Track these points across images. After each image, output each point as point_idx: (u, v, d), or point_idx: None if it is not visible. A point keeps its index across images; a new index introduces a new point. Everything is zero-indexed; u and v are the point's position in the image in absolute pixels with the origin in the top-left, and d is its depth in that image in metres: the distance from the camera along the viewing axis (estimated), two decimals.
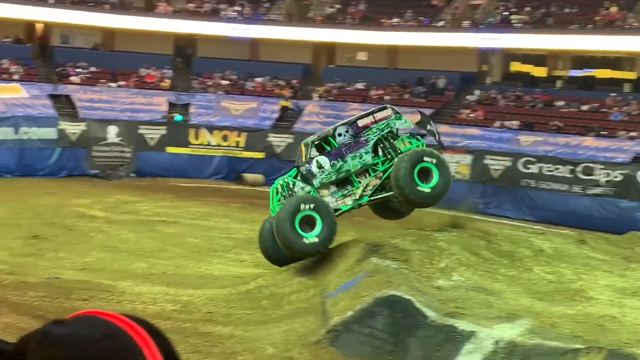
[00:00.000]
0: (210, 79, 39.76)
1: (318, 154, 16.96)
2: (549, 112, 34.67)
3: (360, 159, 16.80)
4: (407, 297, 12.27)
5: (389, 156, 16.98)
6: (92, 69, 37.90)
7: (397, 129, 17.34)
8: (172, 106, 36.82)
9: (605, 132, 31.80)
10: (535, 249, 16.10)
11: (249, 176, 35.50)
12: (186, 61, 42.10)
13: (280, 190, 16.90)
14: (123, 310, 15.41)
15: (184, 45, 43.27)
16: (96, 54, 39.67)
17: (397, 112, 17.65)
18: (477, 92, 37.59)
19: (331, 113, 37.30)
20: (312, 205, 15.70)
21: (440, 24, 40.14)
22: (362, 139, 16.95)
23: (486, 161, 31.72)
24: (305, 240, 15.65)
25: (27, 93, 34.01)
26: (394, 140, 17.25)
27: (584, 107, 34.30)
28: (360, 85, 40.02)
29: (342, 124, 17.33)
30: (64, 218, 23.88)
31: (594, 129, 31.96)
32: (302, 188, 16.67)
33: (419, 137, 18.23)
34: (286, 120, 37.86)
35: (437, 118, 36.62)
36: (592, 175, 29.37)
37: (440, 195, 16.75)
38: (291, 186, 16.82)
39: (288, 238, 15.61)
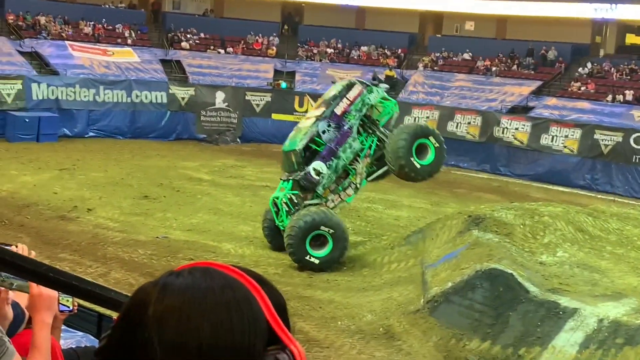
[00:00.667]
0: (316, 47, 39.95)
1: (304, 162, 16.90)
2: None
3: (351, 148, 16.87)
4: (509, 271, 12.16)
5: (370, 131, 17.06)
6: (202, 35, 38.75)
7: (371, 103, 17.22)
8: (278, 73, 37.27)
9: None
10: None
11: None
12: (293, 29, 42.41)
13: (286, 207, 16.84)
14: None
15: (291, 13, 43.58)
16: (206, 21, 40.49)
17: (366, 85, 17.48)
18: (589, 65, 36.35)
19: (436, 83, 36.93)
20: (331, 231, 15.93)
21: None
22: (345, 127, 16.90)
23: (596, 136, 30.73)
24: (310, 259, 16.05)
25: (139, 57, 35.13)
26: (369, 110, 17.25)
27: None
28: (466, 56, 39.36)
29: (320, 120, 17.04)
30: (172, 180, 24.71)
31: None
32: (314, 203, 16.74)
33: (389, 97, 18.20)
34: (391, 89, 37.63)
35: (546, 90, 35.71)
36: None
37: (432, 173, 17.02)
38: (295, 200, 16.83)
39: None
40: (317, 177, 16.79)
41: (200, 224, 19.72)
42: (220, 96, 34.85)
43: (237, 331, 1.21)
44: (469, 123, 34.17)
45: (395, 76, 38.11)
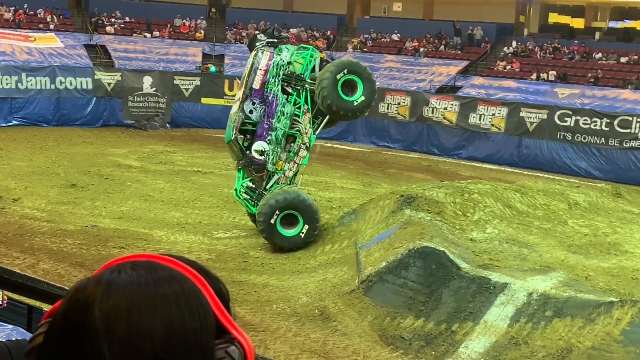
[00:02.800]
0: (245, 30, 39.60)
1: (246, 144, 16.77)
2: (586, 64, 34.09)
3: (284, 114, 16.67)
4: (441, 248, 12.31)
5: (299, 87, 16.82)
6: (127, 19, 37.96)
7: (286, 62, 16.88)
8: (207, 57, 36.82)
9: None
10: (571, 202, 16.02)
11: None
12: (220, 11, 41.93)
13: (247, 196, 16.78)
14: None
15: None
16: (131, 4, 39.65)
17: (275, 46, 17.17)
18: (513, 44, 37.02)
19: (366, 65, 36.99)
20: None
21: None
22: (270, 97, 16.73)
23: (522, 114, 31.38)
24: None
25: (63, 43, 34.21)
26: (290, 68, 16.93)
27: (623, 59, 33.65)
28: (395, 37, 39.60)
29: (244, 101, 16.93)
30: (100, 167, 24.21)
31: (632, 82, 31.39)
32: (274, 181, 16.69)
33: (303, 46, 18.12)
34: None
35: (472, 70, 36.24)
36: (629, 128, 28.97)
37: (362, 108, 16.60)
38: (252, 186, 16.78)
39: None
40: (261, 158, 16.66)
41: (131, 211, 19.39)
42: (147, 81, 34.25)
43: (190, 328, 1.15)
44: (399, 104, 34.44)
45: (325, 58, 38.10)
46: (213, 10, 41.88)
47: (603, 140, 29.44)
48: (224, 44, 37.99)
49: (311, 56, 17.09)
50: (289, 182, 16.68)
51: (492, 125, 32.07)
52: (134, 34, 36.99)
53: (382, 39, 39.73)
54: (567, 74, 33.33)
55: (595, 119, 29.55)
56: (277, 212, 15.79)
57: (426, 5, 41.88)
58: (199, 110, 35.08)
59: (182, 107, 34.99)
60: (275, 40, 17.61)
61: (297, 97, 16.80)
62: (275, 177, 16.71)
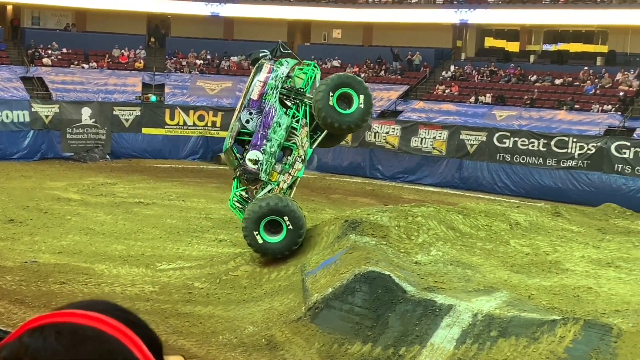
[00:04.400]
0: (185, 59, 39.46)
1: (242, 154, 16.81)
2: (522, 86, 34.86)
3: (280, 126, 16.64)
4: (386, 272, 12.33)
5: (298, 101, 16.84)
6: (64, 50, 37.46)
7: (286, 75, 16.96)
8: (147, 86, 36.53)
9: (578, 106, 32.04)
10: (512, 222, 16.24)
11: None
12: (160, 41, 41.73)
13: (239, 205, 16.80)
14: (101, 293, 15.36)
15: (157, 25, 42.89)
16: (68, 35, 39.17)
17: (275, 59, 17.27)
18: (452, 68, 37.67)
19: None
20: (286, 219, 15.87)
21: (414, 0, 40.09)
22: (267, 108, 16.71)
23: (462, 136, 31.86)
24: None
25: None
26: (289, 82, 16.99)
27: (557, 81, 34.51)
28: (335, 63, 39.93)
29: (240, 112, 17.00)
30: (39, 201, 23.69)
31: (567, 103, 32.19)
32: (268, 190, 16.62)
33: (307, 61, 18.09)
34: None
35: (413, 94, 36.71)
36: (566, 148, 29.64)
37: (358, 121, 16.58)
38: (245, 195, 16.78)
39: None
40: (254, 167, 16.58)
41: (71, 245, 18.99)
42: (86, 112, 33.77)
43: None
44: None
45: None
46: (152, 39, 41.67)
47: (541, 160, 30.05)
48: (164, 74, 37.76)
49: (312, 71, 17.16)
50: (283, 194, 16.53)
51: (434, 148, 32.49)
52: (72, 65, 36.51)
53: (323, 66, 39.97)
54: (504, 96, 34.03)
55: (532, 140, 30.17)
56: (260, 219, 15.72)
57: (365, 32, 42.39)
58: (140, 141, 34.72)
59: (123, 138, 34.58)
60: (280, 54, 17.73)
61: (295, 111, 16.78)
62: (269, 187, 16.65)
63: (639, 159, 28.47)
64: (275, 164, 16.68)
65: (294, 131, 16.79)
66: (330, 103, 16.07)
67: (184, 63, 39.10)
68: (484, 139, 31.16)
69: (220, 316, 14.17)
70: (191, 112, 35.78)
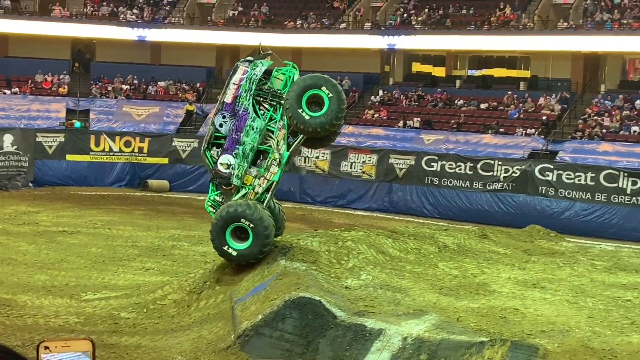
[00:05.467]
0: (110, 84, 38.86)
1: (217, 156, 16.39)
2: (449, 110, 35.48)
3: (253, 129, 16.19)
4: (317, 298, 12.25)
5: (274, 103, 16.36)
6: None
7: (260, 77, 16.41)
8: (71, 112, 35.82)
9: (503, 130, 32.77)
10: (440, 245, 16.38)
11: (153, 182, 34.90)
12: (84, 66, 41.05)
13: (213, 209, 16.28)
14: (24, 325, 14.84)
15: (81, 50, 42.19)
16: None
17: (250, 61, 16.80)
18: (380, 93, 38.10)
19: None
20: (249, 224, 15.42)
21: (342, 26, 40.48)
22: (240, 112, 16.30)
23: (391, 160, 32.17)
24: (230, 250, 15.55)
25: None
26: (268, 83, 16.50)
27: (483, 106, 35.24)
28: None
29: (215, 115, 16.57)
30: None
31: (492, 127, 32.89)
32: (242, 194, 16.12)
33: (286, 62, 17.41)
34: (191, 124, 37.41)
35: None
36: (491, 171, 30.22)
37: (324, 124, 15.87)
38: (219, 199, 16.34)
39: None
40: (226, 171, 16.09)
41: None
42: (8, 139, 32.85)
43: None
44: None
45: (195, 111, 37.86)
46: (76, 64, 40.97)
47: (468, 183, 30.56)
48: (89, 99, 37.11)
49: (290, 71, 16.51)
50: (258, 199, 16.04)
51: (363, 172, 32.72)
52: None
53: None
54: (432, 120, 34.57)
55: (459, 163, 30.68)
56: (227, 224, 15.33)
57: (294, 57, 42.43)
58: (64, 168, 33.95)
59: (46, 165, 33.75)
60: (259, 56, 17.24)
61: (273, 113, 16.26)
62: (244, 191, 16.15)
63: (561, 181, 29.22)
64: (249, 168, 16.18)
65: (271, 134, 16.27)
66: (299, 106, 15.62)
67: (109, 88, 38.50)
68: (413, 162, 31.54)
69: (147, 346, 13.83)
70: (117, 138, 35.19)
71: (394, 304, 12.58)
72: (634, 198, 28.12)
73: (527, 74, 38.30)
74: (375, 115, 35.98)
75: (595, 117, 32.62)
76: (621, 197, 28.32)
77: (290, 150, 16.39)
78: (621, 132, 31.47)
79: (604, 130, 31.63)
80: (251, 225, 15.33)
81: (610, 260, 16.36)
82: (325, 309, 12.02)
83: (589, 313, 12.18)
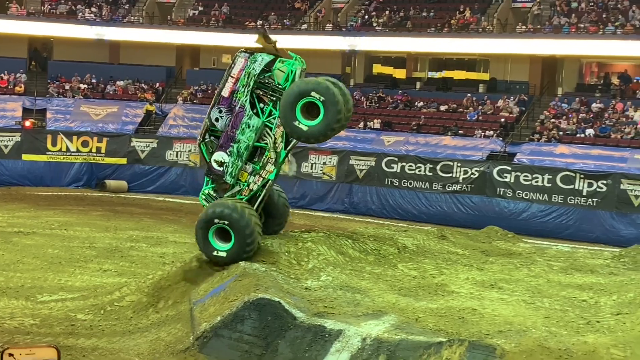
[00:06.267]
0: (68, 83, 38.36)
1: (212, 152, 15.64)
2: (409, 112, 35.69)
3: (249, 127, 15.25)
4: (276, 299, 12.20)
5: (274, 98, 15.42)
6: None
7: (259, 71, 15.52)
8: (27, 111, 35.27)
9: (462, 131, 33.06)
10: (400, 246, 16.45)
11: (111, 183, 34.54)
12: (41, 65, 40.45)
13: (206, 203, 15.61)
14: None
15: (38, 49, 41.56)
16: None
17: (250, 53, 15.82)
18: None
19: (196, 116, 36.84)
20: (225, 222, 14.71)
21: (304, 27, 40.48)
22: (237, 108, 15.39)
23: (352, 161, 32.25)
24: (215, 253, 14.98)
25: None
26: (269, 77, 15.57)
27: (442, 107, 35.51)
28: None
29: (212, 108, 15.71)
30: None
31: (452, 129, 33.16)
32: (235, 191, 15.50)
33: (291, 53, 16.40)
34: (150, 124, 37.10)
35: None
36: (451, 173, 30.46)
37: (318, 134, 14.77)
38: (212, 194, 15.68)
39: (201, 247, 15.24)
40: (220, 168, 15.39)
41: None
42: None
43: None
44: None
45: (154, 110, 37.53)
46: (33, 63, 40.36)
47: (427, 184, 30.77)
48: (46, 98, 36.60)
49: (292, 65, 15.66)
50: (252, 195, 15.35)
51: (324, 173, 32.74)
52: None
53: (213, 91, 39.70)
54: (392, 122, 34.74)
55: (419, 165, 30.89)
56: (209, 224, 14.68)
57: None
58: (20, 168, 33.44)
59: (1, 165, 33.25)
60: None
61: (273, 109, 15.39)
62: (237, 188, 15.45)
63: (519, 182, 29.58)
64: (243, 165, 15.40)
65: (269, 130, 15.42)
66: (293, 118, 14.62)
67: (67, 87, 38.01)
68: (373, 164, 31.67)
69: (104, 348, 13.64)
70: (74, 137, 34.76)
71: (354, 305, 12.59)
72: (589, 200, 28.58)
73: (486, 76, 38.71)
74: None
75: (553, 120, 33.08)
76: (577, 199, 28.77)
77: (287, 149, 15.55)
78: (577, 135, 31.96)
79: (561, 133, 32.10)
80: (226, 222, 14.61)
81: (567, 261, 16.59)
82: (284, 310, 11.98)
83: (546, 313, 12.32)
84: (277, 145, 15.48)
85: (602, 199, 28.40)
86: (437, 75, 39.78)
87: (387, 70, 41.20)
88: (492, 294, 13.52)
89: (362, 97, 37.41)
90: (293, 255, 15.21)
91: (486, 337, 10.50)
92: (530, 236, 24.64)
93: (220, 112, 15.62)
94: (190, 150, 34.66)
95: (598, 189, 28.46)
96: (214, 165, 15.62)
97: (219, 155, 15.56)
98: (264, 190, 15.56)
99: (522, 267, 15.65)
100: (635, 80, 36.80)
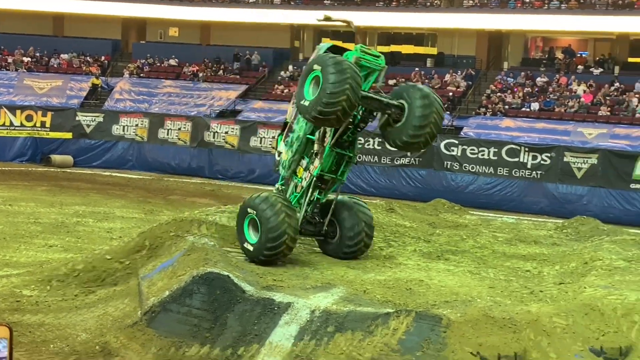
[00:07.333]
0: (11, 56, 37.48)
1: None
2: None
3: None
4: (225, 273, 12.21)
5: None
6: None
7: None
8: None
9: None
10: None
11: (56, 157, 33.99)
12: None
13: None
14: None
15: None
16: None
17: (342, 51, 14.00)
18: (290, 68, 38.03)
19: (143, 90, 36.37)
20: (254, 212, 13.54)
21: (252, 0, 40.15)
22: None
23: None
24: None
25: None
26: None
27: (391, 82, 35.64)
28: (172, 62, 39.28)
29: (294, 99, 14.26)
30: None
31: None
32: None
33: (375, 52, 14.44)
34: (96, 98, 36.52)
35: (252, 94, 36.70)
36: None
37: (315, 106, 12.47)
38: (280, 188, 14.42)
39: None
40: (278, 158, 14.35)
41: None
42: None
43: None
44: (180, 129, 34.18)
45: (100, 84, 36.92)
46: None
47: (376, 158, 30.96)
48: None
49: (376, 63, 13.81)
50: (302, 193, 13.99)
51: (273, 147, 32.66)
52: None
53: (160, 64, 39.23)
54: None
55: (368, 139, 31.02)
56: (243, 215, 13.64)
57: (203, 31, 41.95)
58: None
59: None
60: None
61: None
62: (293, 184, 14.19)
63: (466, 156, 29.97)
64: (297, 157, 13.97)
65: None
66: (302, 88, 12.96)
67: (9, 60, 37.15)
68: None
69: (50, 324, 13.50)
70: (18, 111, 34.05)
71: (303, 278, 12.66)
72: (534, 172, 29.13)
73: (434, 51, 38.96)
74: (285, 91, 35.94)
75: (499, 94, 33.52)
76: (522, 172, 29.29)
77: (330, 143, 13.57)
78: (523, 109, 32.45)
79: (507, 107, 32.56)
80: (257, 217, 13.40)
81: (511, 233, 16.91)
82: (233, 284, 12.00)
83: (490, 283, 12.58)
84: (325, 138, 13.64)
85: (546, 171, 28.96)
86: (385, 49, 39.87)
87: (337, 44, 41.12)
88: (438, 265, 13.73)
89: None
90: None
91: (433, 308, 10.68)
92: (477, 208, 25.04)
93: (293, 104, 14.25)
94: (137, 125, 34.20)
95: (542, 162, 29.00)
96: (276, 155, 14.65)
97: (281, 146, 14.52)
98: (310, 189, 13.89)
99: (468, 239, 15.91)
100: (579, 55, 37.44)
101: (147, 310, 12.40)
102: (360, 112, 13.62)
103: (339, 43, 16.18)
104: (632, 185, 28.05)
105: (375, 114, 13.74)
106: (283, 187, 14.38)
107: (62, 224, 21.93)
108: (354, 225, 13.90)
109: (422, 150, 13.71)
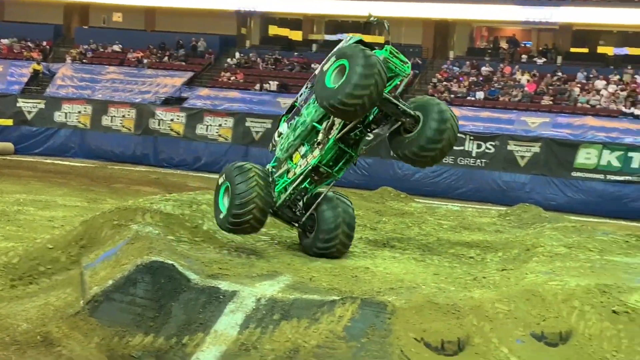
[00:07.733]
0: None
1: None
2: (306, 75, 35.69)
3: (313, 102, 13.19)
4: (170, 262, 12.09)
5: None
6: None
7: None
8: None
9: None
10: None
11: None
12: None
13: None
14: None
15: None
16: None
17: (372, 47, 13.40)
18: (237, 55, 37.80)
19: (86, 76, 35.79)
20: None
21: None
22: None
23: (247, 124, 32.11)
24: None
25: None
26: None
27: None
28: (116, 47, 38.71)
29: (308, 82, 13.92)
30: None
31: None
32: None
33: (403, 57, 13.79)
34: (37, 84, 35.79)
35: (198, 81, 36.36)
36: None
37: (336, 95, 11.87)
38: (271, 170, 13.95)
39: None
40: (278, 139, 13.83)
41: None
42: None
43: None
44: (124, 116, 33.74)
45: (42, 70, 36.17)
46: None
47: None
48: None
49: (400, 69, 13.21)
50: (293, 180, 13.59)
51: (219, 135, 32.50)
52: None
53: (103, 50, 38.62)
54: (288, 84, 34.71)
55: None
56: (219, 185, 13.16)
57: (147, 16, 41.41)
58: None
59: None
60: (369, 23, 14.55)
61: None
62: (285, 167, 13.74)
63: None
64: (297, 143, 13.51)
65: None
66: (323, 79, 12.33)
67: None
68: (269, 126, 31.62)
69: None
70: None
71: (249, 266, 12.62)
72: (478, 160, 29.53)
73: (381, 39, 39.09)
74: (232, 78, 35.74)
75: (445, 83, 33.84)
76: (467, 160, 29.67)
77: (335, 136, 13.06)
78: (468, 98, 32.84)
79: (452, 95, 32.90)
80: (230, 184, 13.00)
81: (456, 220, 17.11)
82: (178, 273, 11.90)
83: (435, 270, 12.71)
84: (332, 129, 13.10)
85: (490, 159, 29.36)
86: (333, 37, 39.90)
87: (284, 32, 41.06)
88: (384, 253, 13.82)
89: (258, 59, 37.13)
90: (187, 217, 15.06)
91: (378, 295, 10.74)
92: (423, 196, 25.27)
93: (306, 87, 13.91)
94: (79, 112, 33.58)
95: (486, 150, 29.39)
96: (275, 136, 14.18)
97: (283, 127, 14.09)
98: (301, 178, 13.54)
99: (414, 227, 16.05)
100: (522, 45, 38.01)
101: (90, 299, 12.22)
102: (375, 113, 13.10)
103: (367, 37, 15.77)
104: (574, 174, 28.63)
105: (388, 118, 13.12)
106: (274, 169, 13.97)
107: (3, 212, 21.45)
108: (331, 222, 13.38)
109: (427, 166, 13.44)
